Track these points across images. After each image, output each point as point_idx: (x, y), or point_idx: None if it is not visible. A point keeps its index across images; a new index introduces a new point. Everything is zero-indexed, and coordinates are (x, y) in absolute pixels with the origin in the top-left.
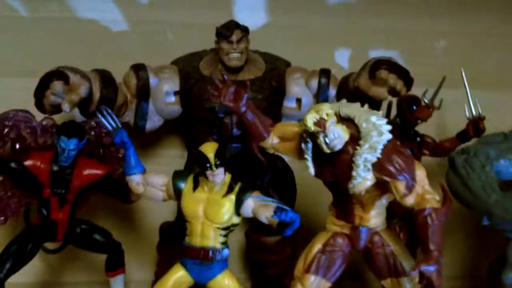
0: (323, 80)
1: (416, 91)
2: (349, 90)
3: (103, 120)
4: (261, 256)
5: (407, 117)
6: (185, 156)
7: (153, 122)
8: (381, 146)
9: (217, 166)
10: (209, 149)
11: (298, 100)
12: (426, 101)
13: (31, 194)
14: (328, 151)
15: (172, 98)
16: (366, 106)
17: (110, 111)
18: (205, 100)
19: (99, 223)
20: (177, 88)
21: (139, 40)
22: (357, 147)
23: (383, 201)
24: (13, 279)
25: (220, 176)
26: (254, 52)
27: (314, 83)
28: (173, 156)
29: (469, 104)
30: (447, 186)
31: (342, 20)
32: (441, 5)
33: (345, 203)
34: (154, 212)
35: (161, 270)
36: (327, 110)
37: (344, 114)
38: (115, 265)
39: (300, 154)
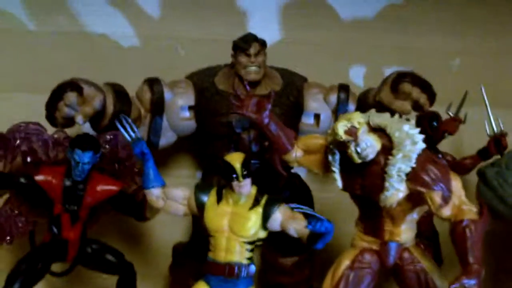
0: (342, 95)
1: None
2: (369, 105)
3: (122, 130)
4: (278, 278)
5: (429, 133)
6: (197, 176)
7: (167, 138)
8: (415, 156)
9: (244, 177)
10: (236, 159)
11: (317, 116)
12: (451, 114)
13: (39, 213)
14: (359, 161)
15: (187, 113)
16: (397, 115)
17: (130, 120)
18: (221, 115)
19: None
20: (192, 103)
21: (150, 55)
22: (390, 157)
23: (414, 215)
24: None
25: (247, 188)
26: (270, 67)
27: (333, 98)
28: (183, 176)
29: (490, 121)
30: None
31: (357, 36)
32: (456, 23)
33: (374, 218)
34: (163, 235)
35: None
36: (358, 118)
37: (374, 124)
38: (127, 287)
39: (325, 168)
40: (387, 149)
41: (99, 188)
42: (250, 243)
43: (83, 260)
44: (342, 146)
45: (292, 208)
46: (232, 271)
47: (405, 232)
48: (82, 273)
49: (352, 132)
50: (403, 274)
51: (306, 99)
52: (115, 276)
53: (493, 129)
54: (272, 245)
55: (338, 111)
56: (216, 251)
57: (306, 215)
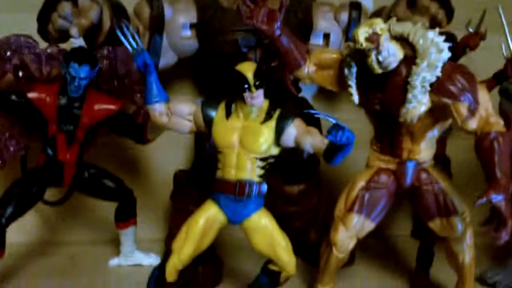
0: (354, 14)
1: None
2: None
3: (123, 39)
4: (285, 207)
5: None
6: (197, 102)
7: (166, 59)
8: (441, 64)
9: (256, 87)
10: (247, 68)
11: (326, 36)
12: (471, 30)
13: (31, 135)
14: (380, 71)
15: (188, 32)
16: (419, 23)
17: (132, 29)
18: (226, 33)
19: None
20: (194, 20)
21: None
22: (414, 66)
23: (435, 132)
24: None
25: (259, 99)
26: None
27: (344, 16)
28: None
29: (507, 42)
30: None
31: None
32: None
33: (392, 135)
34: (164, 162)
35: (177, 221)
36: (380, 24)
37: (395, 32)
38: (127, 215)
39: (339, 84)
40: (410, 58)
41: (97, 107)
42: (262, 159)
43: (80, 185)
44: (361, 56)
45: (313, 115)
46: (242, 189)
47: (424, 150)
48: (78, 203)
49: (373, 39)
50: (420, 195)
51: (315, 17)
52: (114, 206)
53: (510, 50)
54: (277, 172)
55: (350, 31)
56: (225, 168)
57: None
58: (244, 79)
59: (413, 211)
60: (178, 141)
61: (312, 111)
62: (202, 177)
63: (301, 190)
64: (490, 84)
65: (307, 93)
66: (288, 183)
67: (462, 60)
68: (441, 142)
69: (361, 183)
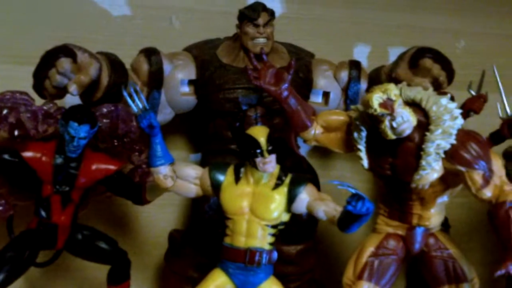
0: (354, 72)
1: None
2: (382, 83)
3: (128, 100)
4: (282, 268)
5: None
6: (190, 158)
7: (164, 115)
8: (455, 131)
9: (269, 152)
10: (260, 132)
11: (325, 94)
12: (473, 92)
13: (21, 195)
14: (393, 137)
15: (187, 88)
16: (431, 89)
17: (138, 88)
18: (226, 90)
19: None
20: (193, 77)
21: (142, 26)
22: (427, 133)
23: (445, 198)
24: None
25: (272, 165)
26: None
27: (344, 75)
28: (177, 158)
29: (503, 103)
30: None
31: (362, 14)
32: (463, 4)
33: (402, 200)
34: (156, 221)
35: (170, 282)
36: (394, 90)
37: (407, 97)
38: (120, 278)
39: (347, 146)
40: (423, 124)
41: (94, 167)
42: (273, 226)
43: (73, 248)
44: (373, 121)
45: (337, 185)
46: (253, 257)
47: (434, 216)
48: (65, 263)
49: (388, 105)
50: (429, 261)
51: (315, 76)
52: (106, 266)
53: (506, 111)
54: None
55: (349, 90)
56: (234, 235)
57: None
58: (256, 144)
59: (406, 272)
60: (173, 198)
61: (335, 182)
62: (199, 239)
63: (299, 250)
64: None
65: (302, 149)
66: (287, 243)
67: None
68: None
69: (371, 249)
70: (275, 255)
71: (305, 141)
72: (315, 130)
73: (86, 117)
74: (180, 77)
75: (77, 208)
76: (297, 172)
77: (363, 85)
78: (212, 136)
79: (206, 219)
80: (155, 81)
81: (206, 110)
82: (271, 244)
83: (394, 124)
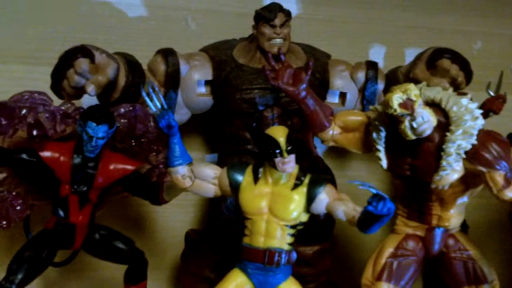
0: (371, 73)
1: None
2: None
3: (147, 100)
4: (298, 269)
5: None
6: (206, 159)
7: (180, 115)
8: (476, 132)
9: (288, 152)
10: (279, 132)
11: (342, 95)
12: (491, 93)
13: (38, 195)
14: (413, 137)
15: (203, 89)
16: (451, 89)
17: (157, 88)
18: (243, 90)
19: None
20: (209, 77)
21: (158, 27)
22: (448, 134)
23: (465, 199)
24: None
25: (291, 165)
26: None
27: (361, 76)
28: (194, 158)
29: None
30: None
31: (377, 15)
32: (480, 4)
33: (421, 201)
34: (172, 221)
35: (187, 282)
36: (414, 90)
37: (426, 98)
38: (137, 278)
39: (366, 147)
40: (443, 124)
41: (112, 167)
42: (292, 227)
43: (90, 247)
44: (393, 121)
45: (358, 185)
46: (272, 257)
47: (454, 216)
48: (82, 262)
49: (408, 105)
50: (449, 262)
51: (331, 76)
52: (122, 266)
53: None
54: None
55: (366, 90)
56: (253, 235)
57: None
58: (276, 144)
59: (423, 274)
60: (190, 199)
61: (356, 182)
62: (216, 238)
63: (315, 251)
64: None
65: (318, 150)
66: (303, 243)
67: None
68: None
69: (390, 250)
70: (294, 255)
71: (323, 141)
72: (333, 131)
73: (104, 117)
74: (196, 78)
75: (95, 208)
76: (314, 172)
77: (380, 85)
78: (228, 136)
79: (223, 219)
80: (172, 81)
81: (223, 110)
82: (290, 244)
83: (414, 125)
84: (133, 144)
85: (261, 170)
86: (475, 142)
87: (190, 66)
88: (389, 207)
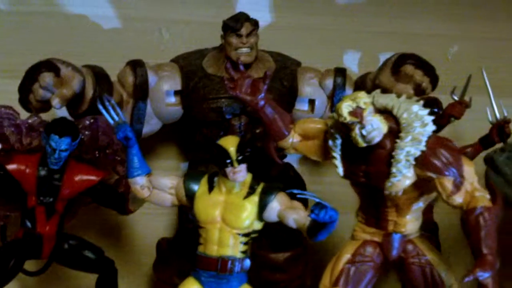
0: (339, 80)
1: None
2: (368, 90)
3: (104, 112)
4: (271, 276)
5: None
6: (181, 167)
7: (150, 125)
8: (425, 138)
9: (239, 162)
10: (230, 142)
11: (311, 102)
12: (456, 98)
13: (11, 206)
14: (364, 144)
15: (173, 99)
16: (404, 96)
17: (113, 101)
18: (210, 100)
19: None
20: (178, 87)
21: (133, 38)
22: (397, 140)
23: (421, 204)
24: None
25: (242, 174)
26: (261, 50)
27: (329, 83)
28: (168, 168)
29: (492, 107)
30: None
31: (351, 21)
32: (454, 9)
33: (377, 207)
34: (147, 230)
35: None
36: (364, 98)
37: (379, 105)
38: (108, 286)
39: (324, 154)
40: (394, 132)
41: (78, 178)
42: (244, 235)
43: (60, 257)
44: (345, 129)
45: (295, 194)
46: (225, 266)
47: (410, 222)
48: (58, 272)
49: (357, 113)
50: (407, 268)
51: (300, 83)
52: (95, 275)
53: (495, 115)
54: (263, 239)
55: (335, 97)
56: (207, 244)
57: (305, 204)
58: (226, 154)
59: (400, 278)
60: (162, 207)
61: (295, 191)
62: (185, 247)
63: (287, 257)
64: (476, 149)
65: (292, 156)
66: (274, 250)
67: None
68: (428, 209)
69: (347, 256)
70: (247, 263)
71: (284, 149)
72: (293, 139)
73: (66, 130)
74: (165, 88)
75: (62, 219)
76: (284, 180)
77: (349, 92)
78: (197, 145)
79: (190, 228)
80: (140, 92)
81: (192, 119)
82: (243, 252)
83: (364, 132)
84: (97, 155)
85: (216, 179)
86: (424, 148)
87: (158, 77)
88: (330, 214)
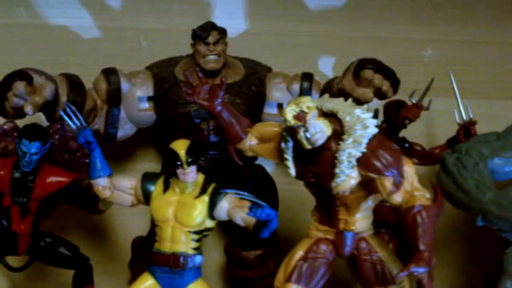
0: (305, 84)
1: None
2: (333, 94)
3: (66, 118)
4: (242, 273)
5: (393, 120)
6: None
7: (125, 130)
8: (366, 140)
9: (188, 164)
10: (180, 146)
11: (280, 106)
12: (413, 101)
13: None
14: (309, 147)
15: (146, 104)
16: (350, 100)
17: (74, 108)
18: (180, 105)
19: None
20: (150, 93)
21: (112, 47)
22: (340, 142)
23: (369, 203)
24: None
25: (191, 175)
26: (233, 57)
27: (296, 87)
28: (148, 169)
29: (459, 109)
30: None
31: (326, 27)
32: (428, 12)
33: (328, 207)
34: (127, 228)
35: None
36: (307, 103)
37: (326, 109)
38: (83, 282)
39: (280, 156)
40: (339, 134)
41: (49, 179)
42: (196, 232)
43: (36, 254)
44: (292, 132)
45: (233, 197)
46: (177, 261)
47: (360, 220)
48: (46, 268)
49: (300, 116)
50: (359, 264)
51: (268, 88)
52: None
53: (462, 117)
54: (234, 238)
55: None
56: (161, 241)
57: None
58: (176, 156)
59: None
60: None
61: (229, 190)
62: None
63: (258, 255)
64: (443, 150)
65: None
66: (246, 249)
67: (423, 124)
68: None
69: (300, 253)
70: (198, 259)
71: (243, 151)
72: (250, 141)
73: (36, 134)
74: (138, 94)
75: (37, 218)
76: (253, 180)
77: (315, 96)
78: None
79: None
80: (113, 98)
81: (164, 124)
82: (195, 249)
83: (308, 135)
84: (67, 158)
85: (171, 180)
86: (364, 150)
87: (132, 84)
88: (267, 213)
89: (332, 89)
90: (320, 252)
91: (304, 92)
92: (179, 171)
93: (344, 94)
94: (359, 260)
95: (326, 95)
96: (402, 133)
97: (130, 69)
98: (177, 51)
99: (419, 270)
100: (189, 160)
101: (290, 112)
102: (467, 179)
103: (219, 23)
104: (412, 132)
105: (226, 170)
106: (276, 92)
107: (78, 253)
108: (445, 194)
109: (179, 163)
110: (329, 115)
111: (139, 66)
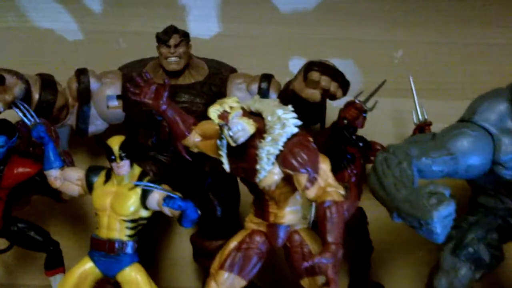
0: (263, 85)
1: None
2: (287, 95)
3: (20, 115)
4: (206, 262)
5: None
6: None
7: (96, 126)
8: (283, 139)
9: (121, 158)
10: (115, 141)
11: None
12: (356, 101)
13: None
14: (233, 144)
15: (115, 102)
16: (277, 101)
17: (26, 105)
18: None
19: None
20: (119, 92)
21: (94, 49)
22: (261, 140)
23: (297, 198)
24: None
25: (124, 168)
26: (200, 58)
27: (255, 87)
28: None
29: (416, 110)
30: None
31: (296, 29)
32: (398, 14)
33: (260, 200)
34: None
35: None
36: (230, 103)
37: (255, 109)
38: (54, 264)
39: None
40: (262, 132)
41: (17, 170)
42: (131, 221)
43: (10, 237)
44: (220, 130)
45: (141, 186)
46: (112, 247)
47: (289, 214)
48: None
49: (224, 116)
50: (291, 255)
51: (229, 89)
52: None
53: (418, 117)
54: (200, 228)
55: None
56: (100, 228)
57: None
58: (110, 151)
59: (349, 271)
60: None
61: (141, 183)
62: None
63: (220, 245)
64: None
65: None
66: (209, 238)
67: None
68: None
69: (234, 243)
70: (132, 245)
71: (189, 148)
72: (194, 138)
73: (2, 129)
74: (107, 93)
75: (8, 205)
76: (213, 175)
77: (273, 96)
78: (137, 144)
79: None
80: (83, 97)
81: (131, 121)
82: (129, 236)
83: (231, 133)
84: (31, 151)
85: (111, 173)
86: (281, 148)
87: (102, 83)
88: (179, 204)
89: (286, 89)
90: (254, 242)
91: (262, 92)
92: (113, 164)
93: (295, 94)
94: (291, 251)
95: (257, 96)
96: (373, 133)
97: (110, 70)
98: (154, 53)
99: (323, 261)
100: (122, 154)
101: (214, 112)
102: (387, 177)
103: (194, 25)
104: (383, 132)
105: (188, 165)
106: (236, 92)
107: (48, 237)
108: (371, 191)
109: (113, 157)
110: (257, 115)
111: (118, 66)
